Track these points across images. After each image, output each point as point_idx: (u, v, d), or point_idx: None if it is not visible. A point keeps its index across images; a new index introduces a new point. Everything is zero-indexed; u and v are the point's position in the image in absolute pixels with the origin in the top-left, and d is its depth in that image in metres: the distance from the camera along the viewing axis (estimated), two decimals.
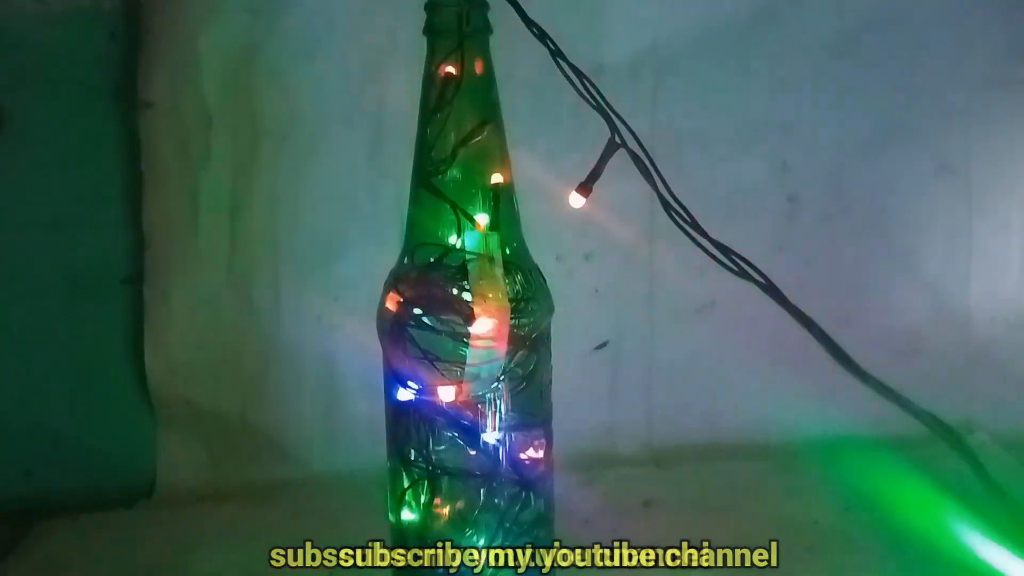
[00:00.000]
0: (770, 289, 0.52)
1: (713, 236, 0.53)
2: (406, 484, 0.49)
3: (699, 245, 0.51)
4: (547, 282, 0.51)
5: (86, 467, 0.75)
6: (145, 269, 0.74)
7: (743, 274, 0.52)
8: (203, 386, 0.76)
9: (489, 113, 0.47)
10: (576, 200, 0.50)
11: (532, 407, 0.49)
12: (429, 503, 0.49)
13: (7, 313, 0.74)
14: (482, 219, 0.47)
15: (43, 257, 0.74)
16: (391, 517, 0.51)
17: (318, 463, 0.77)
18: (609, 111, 0.50)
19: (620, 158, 0.53)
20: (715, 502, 0.72)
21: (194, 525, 0.69)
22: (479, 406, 0.47)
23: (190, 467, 0.76)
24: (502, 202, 0.47)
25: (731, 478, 0.75)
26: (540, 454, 0.50)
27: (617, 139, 0.49)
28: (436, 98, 0.47)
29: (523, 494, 0.49)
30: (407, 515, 0.50)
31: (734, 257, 0.52)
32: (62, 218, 0.74)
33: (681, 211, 0.50)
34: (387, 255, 0.51)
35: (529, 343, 0.48)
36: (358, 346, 0.71)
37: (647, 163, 0.50)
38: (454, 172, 0.47)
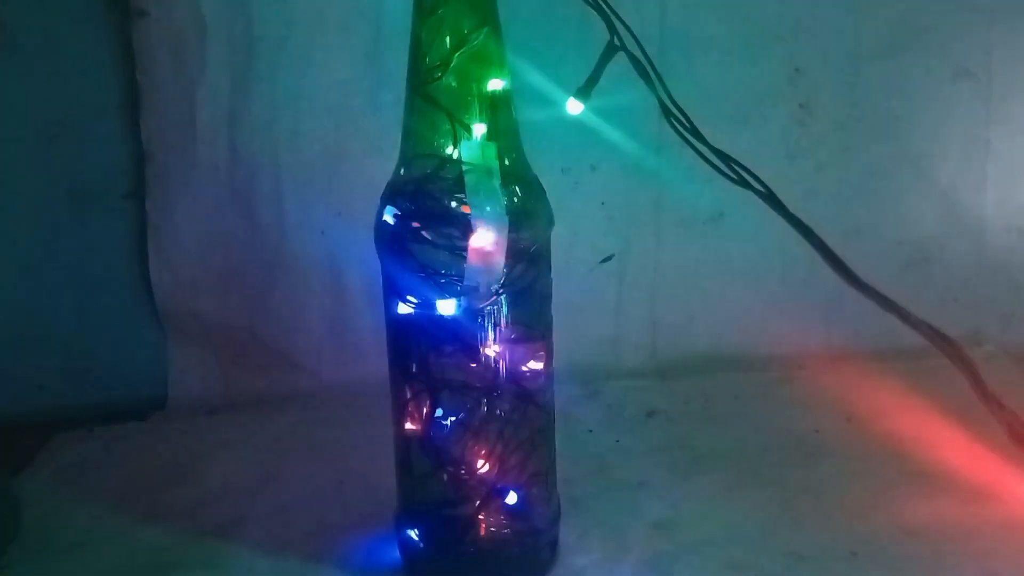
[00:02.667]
0: (770, 199, 0.51)
1: (719, 144, 0.51)
2: (408, 396, 0.50)
3: (699, 153, 0.50)
4: (552, 194, 0.50)
5: (99, 381, 0.77)
6: (146, 182, 0.74)
7: (743, 183, 0.51)
8: (210, 300, 0.76)
9: (486, 14, 0.45)
10: (574, 106, 0.48)
11: (531, 320, 0.49)
12: (431, 415, 0.49)
13: (13, 228, 0.74)
14: (479, 129, 0.46)
15: (44, 170, 0.74)
16: (395, 427, 0.51)
17: (326, 374, 0.78)
18: (608, 11, 0.48)
19: (626, 65, 0.52)
20: (718, 413, 0.72)
21: (207, 435, 0.70)
22: (478, 319, 0.47)
23: (201, 379, 0.78)
24: (500, 111, 0.46)
25: (734, 390, 0.75)
26: (540, 366, 0.50)
27: (616, 41, 0.48)
28: None
29: (524, 405, 0.49)
30: (410, 426, 0.50)
31: (734, 165, 0.51)
32: (61, 130, 0.73)
33: (681, 117, 0.48)
34: (390, 166, 0.50)
35: (528, 256, 0.47)
36: (363, 259, 0.72)
37: (647, 67, 0.48)
38: (450, 79, 0.45)
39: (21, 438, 0.68)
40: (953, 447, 0.63)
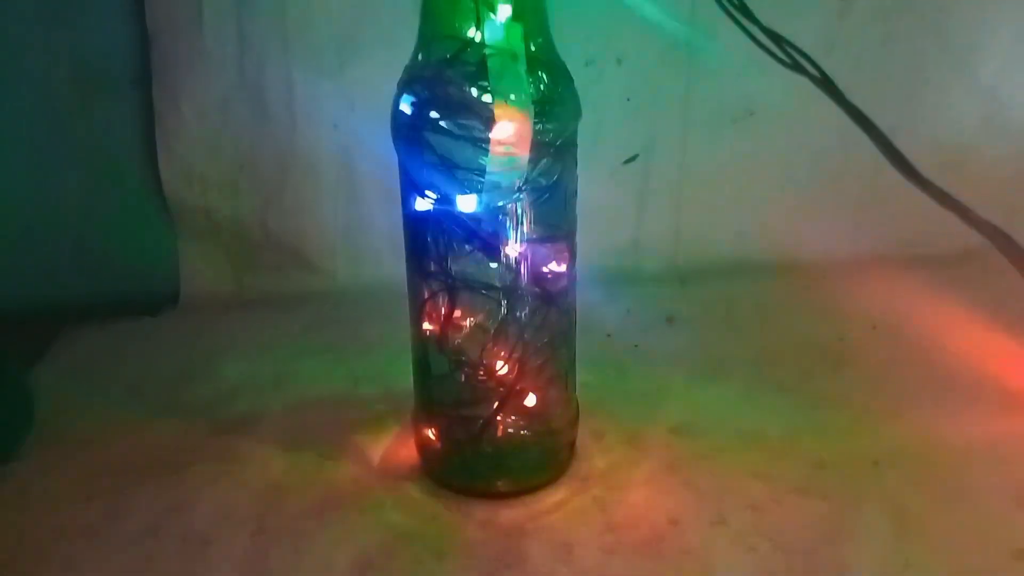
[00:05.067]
0: (825, 84, 0.47)
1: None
2: (426, 296, 0.48)
3: (749, 35, 0.46)
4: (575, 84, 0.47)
5: (111, 274, 0.76)
6: (152, 68, 0.71)
7: (796, 67, 0.47)
8: (220, 195, 0.75)
9: None
10: None
11: (555, 219, 0.47)
12: (449, 315, 0.48)
13: (17, 114, 0.72)
14: (504, 8, 0.42)
15: (46, 54, 0.71)
16: (412, 327, 0.50)
17: (341, 274, 0.77)
18: None
19: None
20: (739, 319, 0.71)
21: (220, 332, 0.69)
22: (500, 217, 0.45)
23: (214, 276, 0.77)
24: None
25: (757, 296, 0.74)
26: (563, 268, 0.48)
27: None
28: None
29: (545, 307, 0.48)
30: (428, 326, 0.49)
31: (787, 47, 0.47)
32: (64, 11, 0.70)
33: None
34: (405, 55, 0.47)
35: (554, 150, 0.45)
36: (378, 154, 0.69)
37: None
38: None
39: (34, 330, 0.68)
40: (982, 356, 0.61)
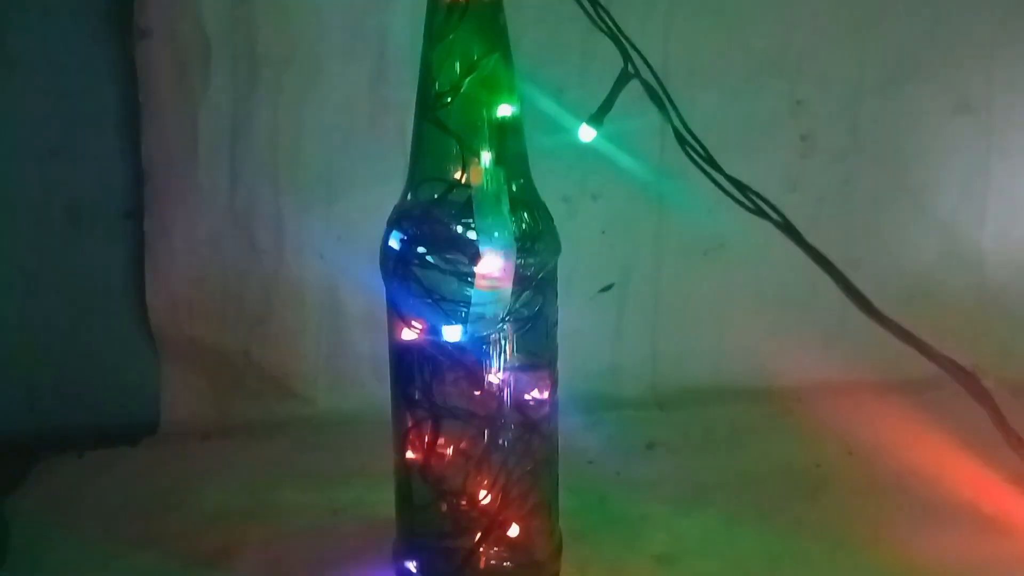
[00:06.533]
0: (786, 228, 0.51)
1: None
2: (410, 424, 0.49)
3: (714, 181, 0.50)
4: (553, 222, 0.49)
5: (90, 403, 0.75)
6: (145, 202, 0.73)
7: (759, 212, 0.50)
8: (206, 323, 0.75)
9: (496, 41, 0.45)
10: (587, 133, 0.48)
11: (537, 348, 0.49)
12: (433, 443, 0.48)
13: (7, 244, 0.73)
14: (487, 154, 0.45)
15: (41, 187, 0.73)
16: (395, 456, 0.50)
17: (323, 401, 0.77)
18: (623, 39, 0.48)
19: (629, 93, 0.52)
20: (718, 445, 0.71)
21: (199, 462, 0.69)
22: (484, 347, 0.46)
23: (195, 404, 0.76)
24: (509, 136, 0.46)
25: (734, 421, 0.75)
26: (545, 395, 0.49)
27: (631, 69, 0.48)
28: (441, 24, 0.45)
29: (527, 435, 0.48)
30: (411, 454, 0.49)
31: (750, 194, 0.50)
32: (59, 147, 0.73)
33: (696, 145, 0.48)
34: (390, 191, 0.50)
35: (535, 283, 0.47)
36: (362, 284, 0.71)
37: (662, 95, 0.48)
38: (459, 104, 0.45)
39: (10, 459, 0.67)
40: (958, 480, 0.62)
